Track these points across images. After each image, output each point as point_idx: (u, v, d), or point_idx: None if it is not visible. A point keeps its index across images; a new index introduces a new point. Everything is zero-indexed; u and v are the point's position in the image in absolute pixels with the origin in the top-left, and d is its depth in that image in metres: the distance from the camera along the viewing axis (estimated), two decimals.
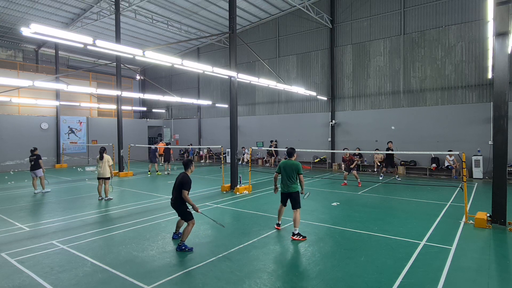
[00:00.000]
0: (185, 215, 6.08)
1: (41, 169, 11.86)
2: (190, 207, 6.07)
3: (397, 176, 15.24)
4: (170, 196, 6.30)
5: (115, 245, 6.36)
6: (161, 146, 18.41)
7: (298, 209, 6.78)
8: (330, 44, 19.49)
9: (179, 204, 6.04)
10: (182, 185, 5.93)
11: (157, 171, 17.75)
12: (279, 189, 7.19)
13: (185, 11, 20.13)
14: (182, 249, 5.90)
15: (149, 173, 17.71)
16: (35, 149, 12.07)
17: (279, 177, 7.12)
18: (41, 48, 24.47)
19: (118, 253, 5.93)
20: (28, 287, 4.60)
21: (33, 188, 12.02)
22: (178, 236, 6.55)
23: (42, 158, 12.07)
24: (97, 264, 5.35)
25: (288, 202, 7.00)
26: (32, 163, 11.82)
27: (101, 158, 10.57)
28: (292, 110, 21.59)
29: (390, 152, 13.66)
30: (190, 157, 20.77)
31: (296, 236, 6.55)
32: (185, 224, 6.31)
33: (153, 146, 18.35)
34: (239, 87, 21.46)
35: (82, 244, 6.35)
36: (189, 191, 5.94)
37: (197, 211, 6.01)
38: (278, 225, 7.28)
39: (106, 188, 10.61)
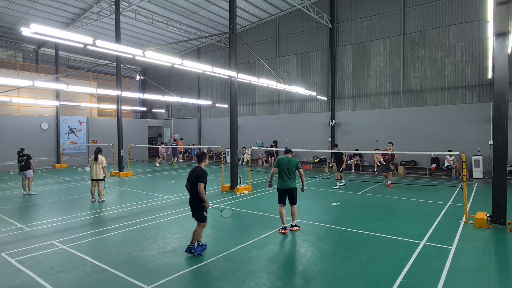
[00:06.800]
0: (201, 216, 5.74)
1: (31, 170, 11.65)
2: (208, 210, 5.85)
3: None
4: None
5: (115, 245, 6.36)
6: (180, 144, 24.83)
7: (295, 205, 7.19)
8: (330, 44, 19.49)
9: (199, 203, 5.66)
10: (198, 178, 5.58)
11: (173, 163, 22.52)
12: (275, 186, 7.35)
13: (185, 11, 20.13)
14: (191, 252, 5.66)
15: (173, 164, 22.29)
16: (23, 149, 11.93)
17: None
18: (41, 48, 24.45)
19: (118, 253, 5.93)
20: (28, 287, 4.60)
21: (23, 189, 11.85)
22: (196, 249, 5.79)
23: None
24: (97, 264, 5.35)
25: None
26: (23, 163, 11.63)
27: (96, 159, 10.39)
28: (292, 110, 21.59)
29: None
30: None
31: (294, 227, 7.12)
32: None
33: (173, 145, 24.03)
34: (239, 87, 21.44)
35: (82, 244, 6.35)
36: (205, 184, 5.62)
37: (208, 207, 5.71)
38: (285, 228, 6.92)
39: (100, 190, 10.50)
